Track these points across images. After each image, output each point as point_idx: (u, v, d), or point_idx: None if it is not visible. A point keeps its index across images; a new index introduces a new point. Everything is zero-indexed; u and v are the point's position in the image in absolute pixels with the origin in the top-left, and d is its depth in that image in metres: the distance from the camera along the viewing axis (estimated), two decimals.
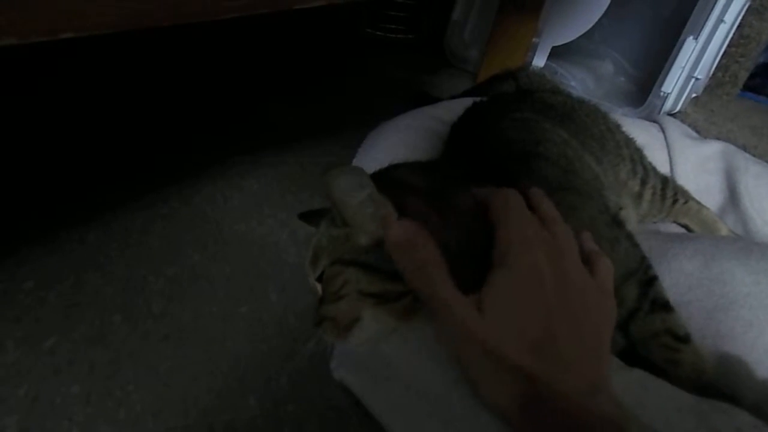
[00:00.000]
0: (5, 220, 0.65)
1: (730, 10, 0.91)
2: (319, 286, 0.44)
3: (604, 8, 1.09)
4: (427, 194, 0.43)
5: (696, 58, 0.96)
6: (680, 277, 0.52)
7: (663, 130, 0.85)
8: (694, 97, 1.05)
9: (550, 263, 0.38)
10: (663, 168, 0.78)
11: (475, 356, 0.37)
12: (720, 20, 0.92)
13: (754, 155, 0.83)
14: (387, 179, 0.45)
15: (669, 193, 0.71)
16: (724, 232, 0.72)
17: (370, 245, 0.42)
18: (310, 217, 0.51)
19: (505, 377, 0.35)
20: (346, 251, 0.42)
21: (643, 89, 1.09)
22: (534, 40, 1.18)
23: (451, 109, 0.75)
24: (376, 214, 0.41)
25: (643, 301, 0.48)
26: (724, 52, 1.01)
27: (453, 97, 0.91)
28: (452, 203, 0.43)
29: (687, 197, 0.73)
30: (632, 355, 0.47)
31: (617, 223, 0.53)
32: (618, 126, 0.75)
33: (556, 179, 0.53)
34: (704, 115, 1.01)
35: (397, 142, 0.70)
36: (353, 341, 0.42)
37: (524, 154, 0.55)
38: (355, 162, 0.74)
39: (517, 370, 0.35)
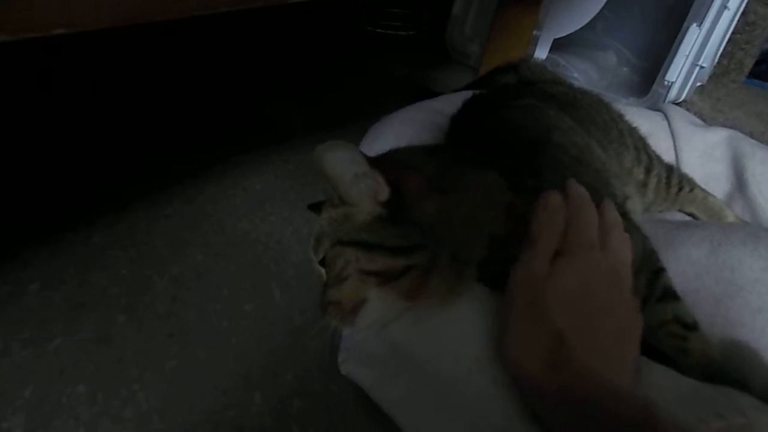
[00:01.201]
0: (10, 223, 0.66)
1: None
2: (323, 271, 0.44)
3: None
4: (428, 174, 0.43)
5: (700, 46, 0.95)
6: (687, 264, 0.52)
7: (667, 119, 0.84)
8: (699, 86, 1.03)
9: (608, 279, 0.41)
10: (668, 156, 0.77)
11: (526, 307, 0.40)
12: (724, 7, 0.91)
13: (760, 142, 0.82)
14: (387, 159, 0.46)
15: (674, 181, 0.71)
16: (730, 219, 0.71)
17: (367, 222, 0.41)
18: (319, 207, 0.51)
19: (544, 333, 0.38)
20: (344, 231, 0.42)
21: (647, 79, 1.08)
22: (535, 32, 1.18)
23: (452, 102, 0.75)
24: (369, 188, 0.41)
25: (652, 291, 0.48)
26: (729, 39, 1.00)
27: (455, 92, 0.91)
28: (454, 183, 0.43)
29: (692, 185, 0.73)
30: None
31: (624, 214, 0.53)
32: (621, 115, 0.74)
33: (570, 170, 0.52)
34: (710, 103, 1.00)
35: (399, 134, 0.70)
36: (360, 324, 0.42)
37: (536, 141, 0.55)
38: None
39: (559, 332, 0.37)
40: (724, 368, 0.43)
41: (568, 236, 0.43)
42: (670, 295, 0.48)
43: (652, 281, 0.49)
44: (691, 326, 0.46)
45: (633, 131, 0.72)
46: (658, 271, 0.50)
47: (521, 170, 0.48)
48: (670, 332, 0.45)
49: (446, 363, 0.43)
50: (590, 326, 0.38)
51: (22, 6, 0.29)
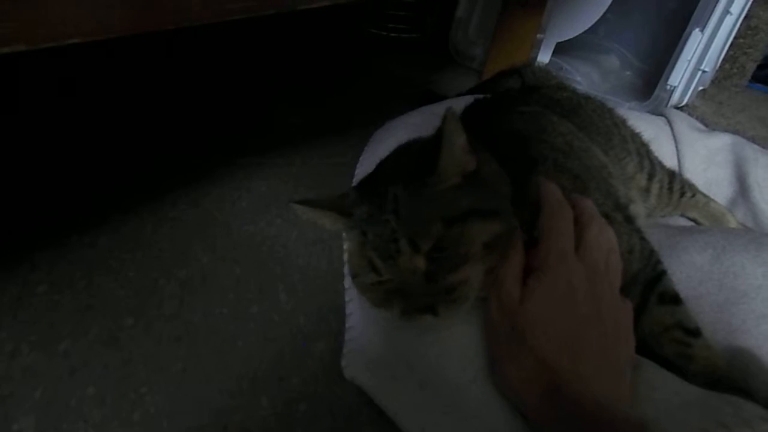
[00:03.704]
0: (17, 226, 0.66)
1: (736, 1, 0.90)
2: (421, 262, 0.41)
3: (609, 2, 1.09)
4: None
5: (702, 51, 0.95)
6: (691, 270, 0.52)
7: (670, 124, 0.85)
8: (702, 90, 1.04)
9: (589, 281, 0.41)
10: (671, 161, 0.78)
11: (507, 340, 0.40)
12: (726, 11, 0.91)
13: (763, 147, 0.82)
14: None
15: (676, 186, 0.71)
16: (732, 224, 0.72)
17: (449, 192, 0.42)
18: (308, 204, 0.50)
19: (529, 365, 0.38)
20: (454, 206, 0.41)
21: (649, 83, 1.08)
22: (538, 36, 1.18)
23: (455, 107, 0.75)
24: (463, 159, 0.43)
25: (649, 294, 0.48)
26: (731, 43, 1.01)
27: (459, 95, 0.91)
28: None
29: (694, 191, 0.73)
30: (643, 351, 0.46)
31: (627, 218, 0.53)
32: (624, 121, 0.74)
33: (554, 162, 0.53)
34: (712, 107, 1.00)
35: (403, 139, 0.70)
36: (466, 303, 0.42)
37: (526, 138, 0.56)
38: (363, 160, 0.75)
39: (542, 361, 0.37)
40: (728, 376, 0.43)
41: (539, 251, 0.42)
42: (671, 298, 0.48)
43: (652, 284, 0.49)
44: (694, 332, 0.46)
45: (635, 137, 0.73)
46: (660, 275, 0.50)
47: (516, 166, 0.49)
48: (673, 338, 0.46)
49: (451, 370, 0.43)
50: (574, 342, 0.38)
51: (37, 17, 0.30)
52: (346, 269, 0.64)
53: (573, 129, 0.62)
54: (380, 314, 0.47)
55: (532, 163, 0.51)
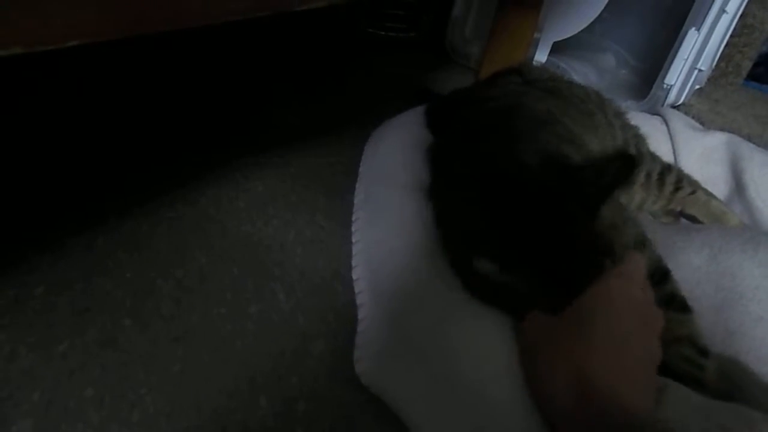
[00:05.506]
0: (13, 228, 0.66)
1: (732, 0, 0.91)
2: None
3: (605, 1, 1.09)
4: None
5: (699, 50, 0.95)
6: (688, 271, 0.52)
7: (666, 123, 0.85)
8: (698, 89, 1.04)
9: (631, 294, 0.41)
10: (667, 160, 0.78)
11: (547, 345, 0.40)
12: (722, 11, 0.91)
13: (759, 145, 0.83)
14: None
15: (669, 180, 0.71)
16: (733, 222, 0.72)
17: None
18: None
19: (565, 370, 0.38)
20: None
21: (646, 82, 1.09)
22: (535, 35, 1.18)
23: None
24: None
25: (654, 290, 0.48)
26: (727, 42, 1.01)
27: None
28: None
29: (695, 187, 0.73)
30: None
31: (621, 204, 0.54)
32: (619, 113, 0.74)
33: (535, 126, 0.53)
34: (708, 105, 1.01)
35: (402, 137, 0.71)
36: None
37: (506, 108, 0.56)
38: (364, 159, 0.75)
39: (577, 367, 0.37)
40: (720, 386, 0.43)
41: None
42: (680, 305, 0.47)
43: (657, 279, 0.48)
44: (704, 351, 0.45)
45: (627, 128, 0.73)
46: (666, 273, 0.50)
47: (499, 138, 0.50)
48: (683, 356, 0.45)
49: (467, 366, 0.43)
50: (617, 355, 0.38)
51: (35, 19, 0.30)
52: (354, 260, 0.63)
53: (551, 107, 0.62)
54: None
55: (516, 134, 0.52)
